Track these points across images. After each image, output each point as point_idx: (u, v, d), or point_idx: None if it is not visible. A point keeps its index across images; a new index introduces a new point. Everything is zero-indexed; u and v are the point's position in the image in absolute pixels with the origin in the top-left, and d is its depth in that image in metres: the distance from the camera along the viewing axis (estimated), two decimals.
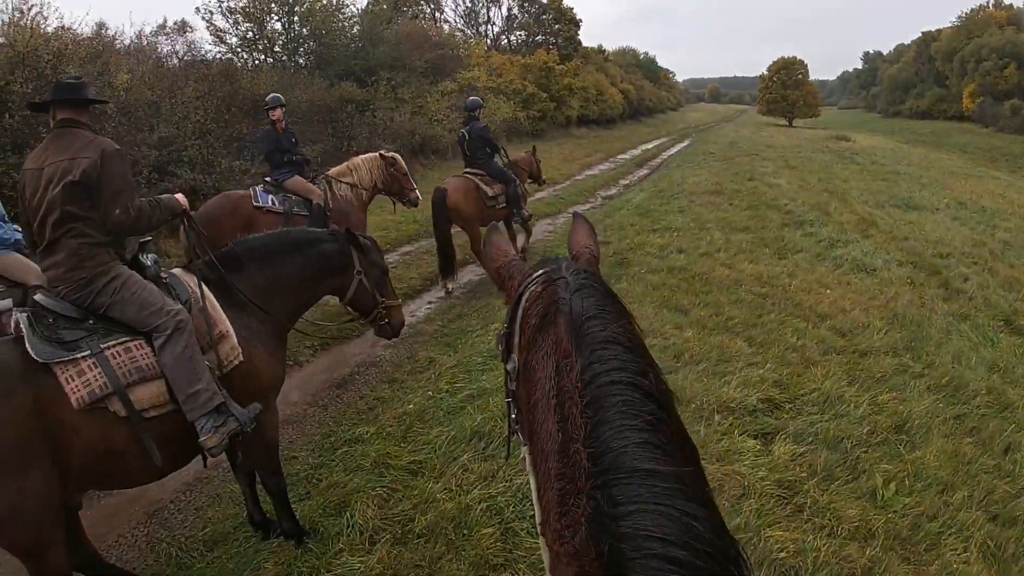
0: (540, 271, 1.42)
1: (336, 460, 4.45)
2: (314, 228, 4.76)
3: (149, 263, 3.17)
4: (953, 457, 4.63)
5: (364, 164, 7.39)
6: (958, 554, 3.55)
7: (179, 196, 3.32)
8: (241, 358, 3.19)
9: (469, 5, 41.54)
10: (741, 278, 7.51)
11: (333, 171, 7.32)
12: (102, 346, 2.81)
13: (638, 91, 51.13)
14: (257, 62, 20.03)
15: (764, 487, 3.82)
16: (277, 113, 7.00)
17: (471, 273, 8.77)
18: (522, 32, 42.40)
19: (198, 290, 3.19)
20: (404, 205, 7.74)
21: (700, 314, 6.32)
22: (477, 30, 41.37)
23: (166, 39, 19.03)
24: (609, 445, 0.93)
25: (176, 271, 3.31)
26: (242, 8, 19.88)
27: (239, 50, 20.36)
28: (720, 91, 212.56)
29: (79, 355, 2.74)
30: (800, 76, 64.55)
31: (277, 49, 20.63)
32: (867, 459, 4.39)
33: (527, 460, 1.35)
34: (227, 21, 19.98)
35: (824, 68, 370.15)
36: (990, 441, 5.09)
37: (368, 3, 31.30)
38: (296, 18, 20.33)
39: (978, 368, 6.48)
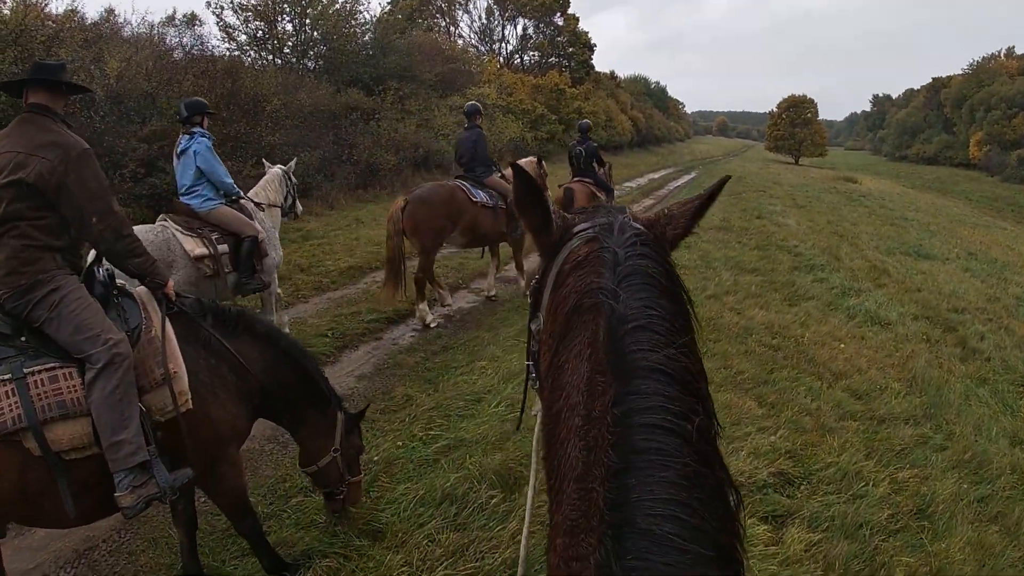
0: (588, 223, 1.19)
1: (289, 512, 3.92)
2: None
3: (100, 276, 2.76)
4: (979, 548, 4.14)
5: (529, 167, 7.80)
6: None
7: (170, 283, 2.89)
8: (191, 405, 2.73)
9: (484, 22, 41.48)
10: (751, 326, 7.01)
11: (508, 171, 7.58)
12: (25, 371, 2.41)
13: (647, 120, 51.06)
14: (265, 62, 19.63)
15: None
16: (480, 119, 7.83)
17: (462, 300, 8.26)
18: (536, 52, 42.28)
19: (156, 317, 2.75)
20: None
21: (707, 366, 5.74)
22: (491, 47, 41.24)
23: (174, 31, 18.71)
24: (629, 496, 0.83)
25: (140, 290, 2.88)
26: (254, 6, 19.50)
27: (248, 48, 19.96)
28: (728, 124, 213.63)
29: None
30: (809, 115, 64.77)
31: (286, 51, 20.23)
32: (887, 549, 3.88)
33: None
34: (238, 18, 19.60)
35: (832, 109, 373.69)
36: (1016, 529, 4.62)
37: (383, 12, 31.22)
38: (308, 20, 19.95)
39: (999, 440, 6.04)
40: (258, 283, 5.51)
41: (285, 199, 6.46)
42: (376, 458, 4.40)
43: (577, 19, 42.16)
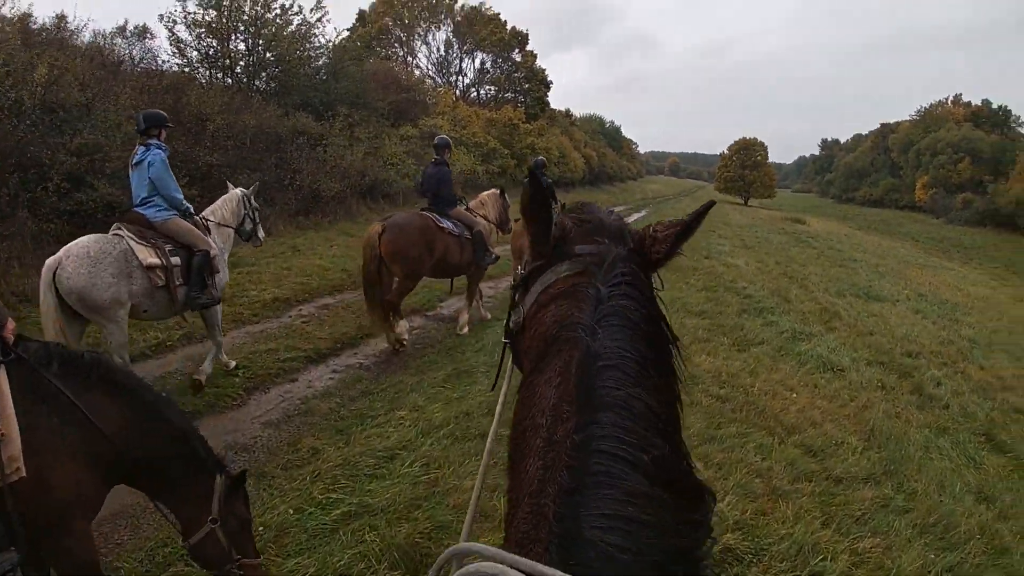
0: (585, 249, 1.21)
1: None
2: None
3: None
4: None
5: (489, 199, 8.60)
6: None
7: (11, 325, 2.45)
8: (23, 472, 2.28)
9: (443, 54, 41.37)
10: (697, 374, 6.50)
11: (473, 203, 8.34)
12: None
13: (600, 158, 51.47)
14: (215, 80, 18.82)
15: None
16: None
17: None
18: (492, 87, 42.31)
19: None
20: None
21: None
22: (448, 79, 41.09)
23: (124, 42, 17.86)
24: (578, 511, 0.86)
25: None
26: (208, 23, 18.69)
27: (198, 65, 19.09)
28: (680, 165, 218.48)
29: None
30: (759, 157, 66.14)
31: (238, 70, 19.45)
32: None
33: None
34: (190, 33, 18.73)
35: (781, 152, 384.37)
36: None
37: (342, 39, 30.75)
38: (261, 40, 19.25)
39: (964, 497, 5.65)
40: (208, 298, 5.44)
41: (242, 222, 6.30)
42: (270, 519, 3.71)
43: (535, 55, 42.48)
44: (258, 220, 6.48)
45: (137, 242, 5.04)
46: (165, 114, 5.69)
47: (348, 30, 36.11)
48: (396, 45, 39.66)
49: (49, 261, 4.69)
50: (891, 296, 14.79)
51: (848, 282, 15.30)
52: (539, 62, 42.43)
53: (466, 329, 7.87)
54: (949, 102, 75.59)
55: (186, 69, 18.49)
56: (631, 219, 28.24)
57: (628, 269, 1.15)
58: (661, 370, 1.05)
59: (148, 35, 19.38)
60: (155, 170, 5.23)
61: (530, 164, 10.48)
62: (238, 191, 6.33)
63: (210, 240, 5.60)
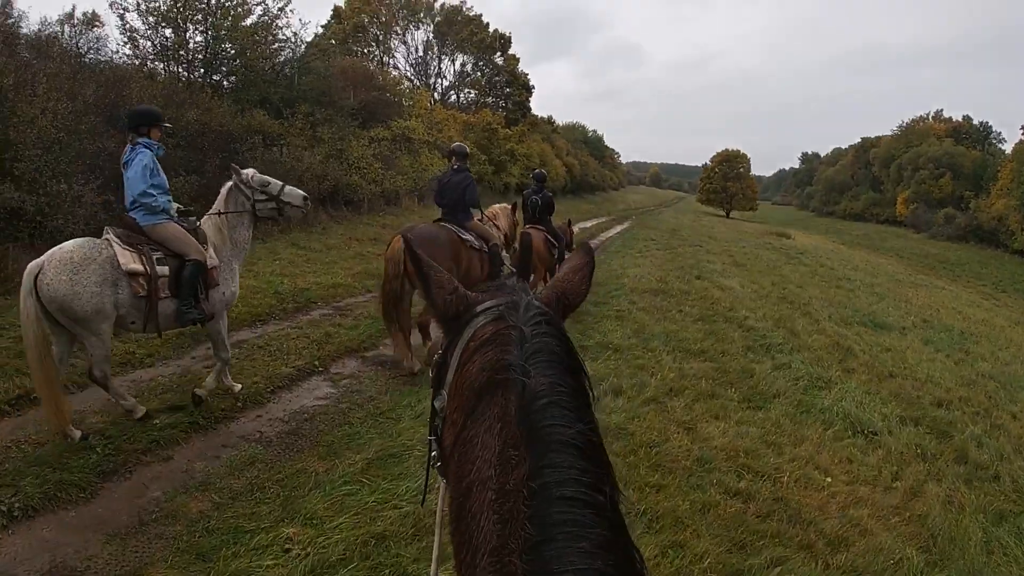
0: (493, 302, 1.21)
1: None
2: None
3: None
4: None
5: (501, 213, 8.45)
6: None
7: None
8: None
9: (421, 55, 39.87)
10: (707, 456, 4.97)
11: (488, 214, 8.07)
12: None
13: (583, 167, 50.42)
14: (170, 74, 17.08)
15: None
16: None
17: (307, 395, 6.01)
18: (472, 91, 40.87)
19: None
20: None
21: (649, 547, 3.60)
22: (426, 82, 39.56)
23: (71, 30, 16.22)
24: (549, 567, 0.83)
25: None
26: (163, 11, 16.88)
27: (152, 57, 17.28)
28: (661, 176, 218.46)
29: None
30: (742, 169, 65.89)
31: (196, 63, 17.66)
32: None
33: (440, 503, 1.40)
34: (143, 22, 16.90)
35: (761, 164, 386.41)
36: None
37: (316, 36, 29.12)
38: (222, 32, 17.47)
39: None
40: (199, 314, 4.95)
41: (252, 208, 5.49)
42: None
43: (517, 59, 41.30)
44: (277, 192, 5.52)
45: (122, 246, 4.66)
46: (157, 111, 5.20)
47: (323, 27, 34.59)
48: (373, 44, 38.07)
49: (31, 265, 4.39)
50: (897, 324, 13.48)
51: (851, 307, 13.95)
52: (526, 70, 41.27)
53: None
54: (930, 117, 75.58)
55: (136, 61, 16.74)
56: (613, 232, 26.86)
57: (543, 309, 1.16)
58: (587, 401, 1.05)
59: (97, 23, 17.79)
60: (131, 170, 4.86)
61: (531, 176, 10.43)
62: (228, 183, 5.51)
63: (205, 249, 5.07)
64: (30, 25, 13.91)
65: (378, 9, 37.38)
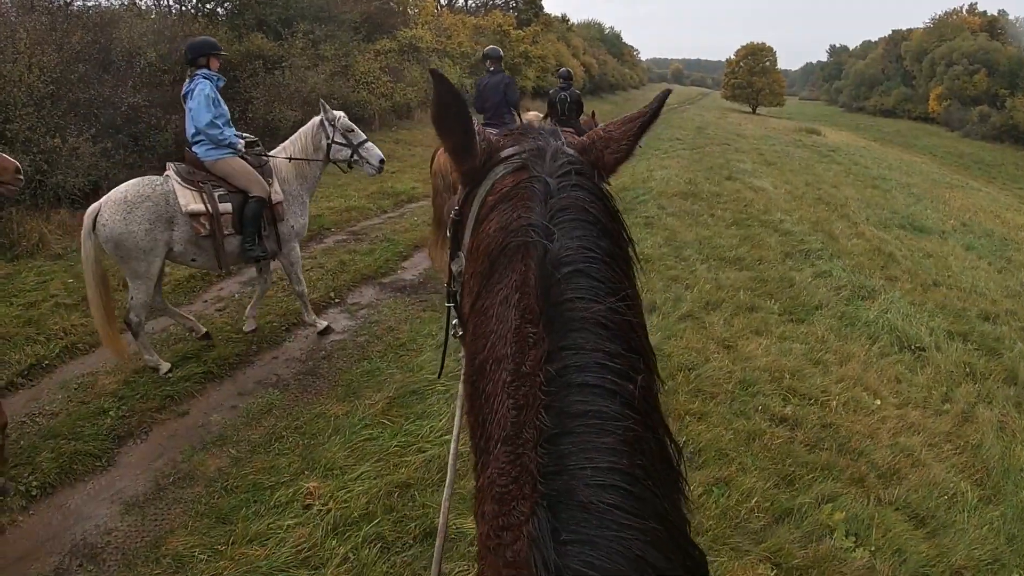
0: (517, 148, 1.03)
1: None
2: None
3: None
4: None
5: (535, 121, 7.15)
6: None
7: None
8: None
9: None
10: (750, 377, 4.66)
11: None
12: None
13: (601, 66, 48.41)
14: (163, 9, 16.17)
15: None
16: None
17: (332, 325, 5.76)
18: None
19: None
20: None
21: (692, 485, 3.34)
22: None
23: None
24: (567, 463, 0.73)
25: None
26: None
27: None
28: (683, 72, 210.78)
29: None
30: (768, 63, 63.21)
31: None
32: None
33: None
34: None
35: (787, 58, 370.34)
36: None
37: None
38: None
39: None
40: (261, 250, 4.88)
41: (328, 151, 5.28)
42: None
43: None
44: (358, 143, 5.32)
45: (182, 185, 4.60)
46: (213, 40, 5.05)
47: None
48: None
49: (90, 208, 4.41)
50: (936, 227, 12.87)
51: (888, 209, 13.31)
52: None
53: None
54: (964, 10, 71.09)
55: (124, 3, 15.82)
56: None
57: (574, 157, 1.00)
58: (628, 272, 0.92)
59: None
60: (192, 101, 4.74)
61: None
62: (317, 117, 5.33)
63: (269, 184, 4.94)
64: None
65: None
